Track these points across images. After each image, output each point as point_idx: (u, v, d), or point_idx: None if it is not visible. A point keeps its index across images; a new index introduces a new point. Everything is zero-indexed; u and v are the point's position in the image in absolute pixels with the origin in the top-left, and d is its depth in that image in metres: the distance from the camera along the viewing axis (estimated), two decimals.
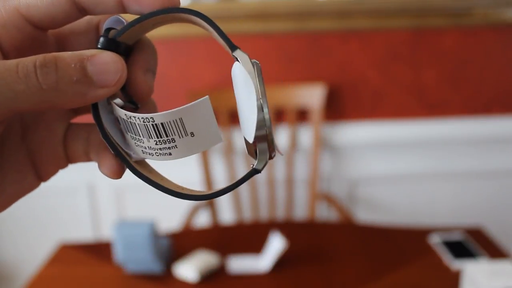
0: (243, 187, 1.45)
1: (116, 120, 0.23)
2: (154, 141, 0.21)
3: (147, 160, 0.24)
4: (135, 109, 0.24)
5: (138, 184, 1.28)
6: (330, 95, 1.41)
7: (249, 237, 1.08)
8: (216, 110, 1.34)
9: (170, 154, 0.21)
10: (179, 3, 0.21)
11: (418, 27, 1.36)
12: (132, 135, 0.22)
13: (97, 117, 0.22)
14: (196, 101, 0.20)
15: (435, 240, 1.04)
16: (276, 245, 0.93)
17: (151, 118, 0.20)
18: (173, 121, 0.20)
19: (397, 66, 1.40)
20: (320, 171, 1.41)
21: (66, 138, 0.24)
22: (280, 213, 1.48)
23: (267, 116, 0.20)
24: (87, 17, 0.23)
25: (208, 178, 1.38)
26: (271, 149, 0.21)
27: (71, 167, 0.27)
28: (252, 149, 0.22)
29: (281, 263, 0.95)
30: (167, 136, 0.21)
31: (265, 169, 0.24)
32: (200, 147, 0.21)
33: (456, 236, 1.04)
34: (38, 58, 0.18)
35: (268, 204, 1.44)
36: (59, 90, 0.19)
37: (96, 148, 0.24)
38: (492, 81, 1.42)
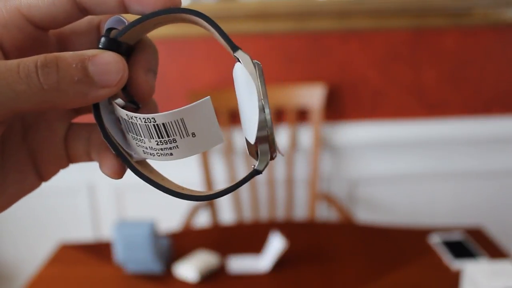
0: (243, 187, 1.45)
1: (117, 120, 0.23)
2: (155, 141, 0.21)
3: (148, 160, 0.24)
4: (136, 109, 0.24)
5: (138, 184, 1.28)
6: (330, 95, 1.41)
7: (249, 237, 1.08)
8: (216, 110, 1.34)
9: (171, 154, 0.21)
10: (181, 3, 0.21)
11: (418, 27, 1.36)
12: (133, 135, 0.22)
13: (98, 117, 0.22)
14: (197, 101, 0.20)
15: (435, 240, 1.04)
16: (276, 245, 0.93)
17: (152, 118, 0.20)
18: (175, 121, 0.20)
19: (397, 66, 1.40)
20: (320, 171, 1.41)
21: (67, 138, 0.24)
22: (280, 213, 1.48)
23: (268, 117, 0.20)
24: (88, 17, 0.23)
25: (208, 178, 1.38)
26: (272, 149, 0.21)
27: (71, 167, 0.27)
28: (253, 149, 0.22)
29: (281, 263, 0.95)
30: (168, 137, 0.21)
31: (265, 169, 0.24)
32: (202, 148, 0.21)
33: (456, 236, 1.04)
34: (39, 58, 0.18)
35: (268, 204, 1.44)
36: (60, 90, 0.19)
37: (97, 148, 0.24)
38: (492, 81, 1.42)
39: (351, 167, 1.49)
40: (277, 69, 1.39)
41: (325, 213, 1.52)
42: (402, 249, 1.02)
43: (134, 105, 0.23)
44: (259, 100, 0.20)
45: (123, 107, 0.22)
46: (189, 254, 0.98)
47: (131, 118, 0.21)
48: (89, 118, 0.24)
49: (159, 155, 0.22)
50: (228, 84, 1.38)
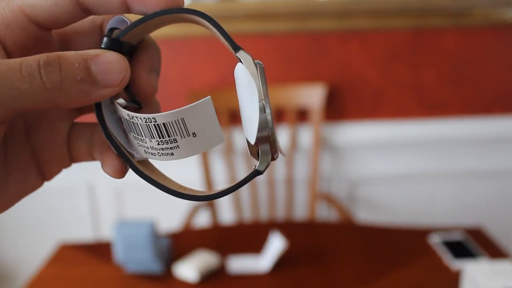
0: (243, 187, 1.45)
1: (119, 120, 0.23)
2: (156, 141, 0.21)
3: (150, 160, 0.24)
4: (138, 109, 0.24)
5: (138, 184, 1.28)
6: (330, 95, 1.41)
7: (249, 237, 1.08)
8: (216, 110, 1.33)
9: (172, 154, 0.22)
10: (183, 3, 0.21)
11: (418, 27, 1.36)
12: (134, 135, 0.22)
13: (100, 116, 0.22)
14: (198, 101, 0.20)
15: (435, 240, 1.04)
16: (276, 245, 0.93)
17: (153, 118, 0.20)
18: (175, 121, 0.20)
19: (397, 66, 1.40)
20: (320, 171, 1.41)
21: (69, 138, 0.24)
22: (280, 213, 1.48)
23: (269, 117, 0.20)
24: (91, 17, 0.23)
25: (208, 178, 1.38)
26: (273, 150, 0.21)
27: (72, 167, 0.27)
28: (254, 150, 0.21)
29: (281, 263, 0.95)
30: (169, 136, 0.21)
31: (266, 169, 0.24)
32: (202, 148, 0.21)
33: (456, 236, 1.04)
34: (42, 57, 0.18)
35: (268, 204, 1.44)
36: (63, 90, 0.19)
37: (100, 148, 0.24)
38: (492, 81, 1.42)
39: (351, 167, 1.49)
40: (277, 69, 1.39)
41: (325, 213, 1.52)
42: (402, 249, 1.02)
43: (136, 104, 0.24)
44: (260, 100, 0.20)
45: (125, 107, 0.22)
46: (189, 254, 0.98)
47: (132, 118, 0.21)
48: (92, 117, 0.24)
49: (160, 155, 0.22)
50: (228, 84, 1.38)
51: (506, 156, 1.49)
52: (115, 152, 0.23)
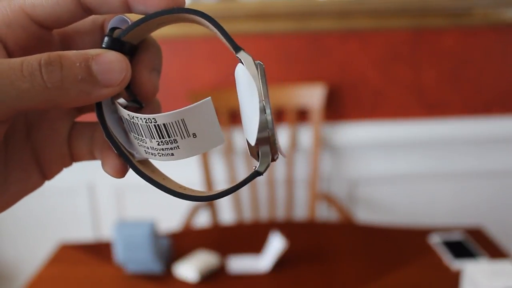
0: (243, 187, 1.45)
1: (120, 120, 0.23)
2: (156, 141, 0.21)
3: (150, 160, 0.24)
4: (139, 109, 0.24)
5: (138, 184, 1.28)
6: (330, 95, 1.41)
7: (249, 237, 1.08)
8: (216, 110, 1.32)
9: (172, 154, 0.21)
10: (184, 3, 0.21)
11: (418, 27, 1.36)
12: (135, 135, 0.22)
13: (100, 116, 0.22)
14: (198, 102, 0.20)
15: (435, 240, 1.04)
16: (276, 245, 0.93)
17: (153, 119, 0.20)
18: (175, 122, 0.20)
19: (397, 66, 1.40)
20: (320, 171, 1.41)
21: (70, 137, 0.24)
22: (280, 213, 1.48)
23: (269, 118, 0.20)
24: (92, 17, 0.23)
25: (208, 178, 1.38)
26: (274, 151, 0.21)
27: (72, 167, 0.27)
28: (254, 151, 0.21)
29: (281, 263, 0.95)
30: (169, 137, 0.21)
31: (266, 170, 0.24)
32: (203, 148, 0.21)
33: (456, 236, 1.04)
34: (43, 56, 0.18)
35: (268, 204, 1.44)
36: (63, 89, 0.19)
37: (100, 147, 0.24)
38: (492, 81, 1.42)
39: (351, 167, 1.49)
40: (277, 69, 1.39)
41: (325, 213, 1.52)
42: (402, 249, 1.02)
43: (137, 104, 0.24)
44: (260, 101, 0.20)
45: (126, 106, 0.22)
46: (189, 254, 0.98)
47: (133, 118, 0.21)
48: (93, 116, 0.24)
49: (160, 155, 0.22)
50: (228, 84, 1.38)
51: (506, 156, 1.49)
52: (116, 151, 0.23)
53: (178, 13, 0.21)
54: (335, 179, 1.50)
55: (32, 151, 0.24)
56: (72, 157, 0.25)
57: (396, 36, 1.37)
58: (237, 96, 0.22)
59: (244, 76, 0.21)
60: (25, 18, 0.20)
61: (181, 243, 1.04)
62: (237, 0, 1.31)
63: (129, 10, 0.21)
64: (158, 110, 0.24)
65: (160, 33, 1.29)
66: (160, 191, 0.23)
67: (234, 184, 0.22)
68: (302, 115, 1.41)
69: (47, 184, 0.25)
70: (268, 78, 1.37)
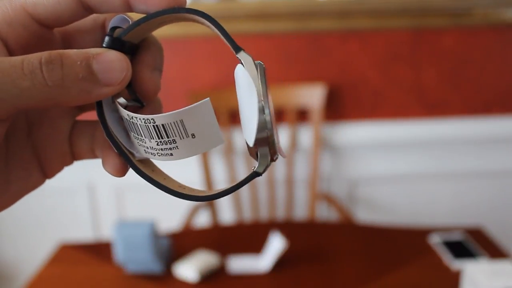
0: (243, 187, 1.45)
1: (121, 119, 0.23)
2: (156, 141, 0.21)
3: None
4: (140, 108, 0.24)
5: (138, 184, 1.28)
6: (330, 95, 1.41)
7: (249, 237, 1.08)
8: (216, 110, 1.34)
9: (171, 154, 0.22)
10: (185, 3, 0.21)
11: (418, 27, 1.36)
12: (134, 134, 0.22)
13: (101, 115, 0.22)
14: (196, 103, 0.20)
15: (435, 240, 1.04)
16: (276, 245, 0.93)
17: (152, 119, 0.20)
18: (174, 122, 0.20)
19: (397, 66, 1.40)
20: (320, 171, 1.41)
21: (71, 135, 0.24)
22: (280, 213, 1.48)
23: (268, 118, 0.20)
24: (93, 16, 0.23)
25: (208, 178, 1.38)
26: (273, 152, 0.21)
27: (72, 167, 0.27)
28: (253, 151, 0.21)
29: (281, 263, 0.95)
30: (168, 137, 0.21)
31: (265, 171, 0.23)
32: (202, 149, 0.21)
33: (456, 236, 1.04)
34: (44, 54, 0.18)
35: (268, 204, 1.44)
36: (64, 87, 0.19)
37: (101, 145, 0.24)
38: (492, 81, 1.42)
39: (351, 167, 1.49)
40: (277, 69, 1.39)
41: (325, 213, 1.52)
42: (402, 249, 1.02)
43: (138, 103, 0.24)
44: (259, 101, 0.20)
45: (127, 106, 0.22)
46: (189, 254, 0.98)
47: (132, 118, 0.21)
48: (94, 115, 0.24)
49: (160, 155, 0.22)
50: (228, 84, 1.38)
51: (506, 156, 1.49)
52: (116, 151, 0.23)
53: (179, 12, 0.21)
54: (335, 179, 1.50)
55: (33, 150, 0.24)
56: (73, 156, 0.25)
57: (396, 36, 1.37)
58: (237, 96, 0.22)
59: (244, 77, 0.21)
60: (26, 17, 0.20)
61: (181, 243, 1.04)
62: (237, 0, 1.31)
63: (130, 9, 0.21)
64: (159, 110, 0.24)
65: (160, 33, 1.29)
66: (160, 191, 0.23)
67: (234, 184, 0.22)
68: (302, 115, 1.41)
69: (47, 184, 0.26)
70: (268, 78, 1.36)
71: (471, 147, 1.48)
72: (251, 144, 0.21)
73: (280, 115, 1.42)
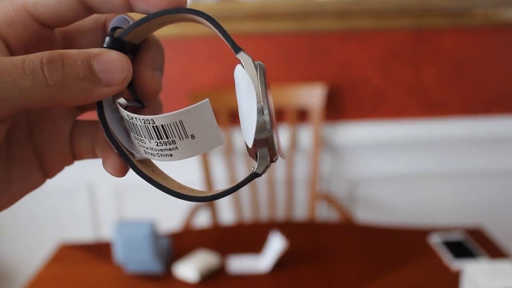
0: (243, 187, 1.45)
1: (121, 119, 0.23)
2: (155, 142, 0.21)
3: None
4: (141, 108, 0.24)
5: (138, 184, 1.28)
6: (330, 95, 1.41)
7: (249, 237, 1.08)
8: (216, 110, 1.34)
9: (171, 155, 0.22)
10: (186, 3, 0.21)
11: (418, 27, 1.36)
12: (134, 135, 0.22)
13: (101, 115, 0.22)
14: (196, 103, 0.20)
15: (435, 240, 1.04)
16: (276, 245, 0.93)
17: (151, 120, 0.20)
18: (173, 123, 0.20)
19: (397, 66, 1.40)
20: (320, 171, 1.41)
21: (72, 135, 0.24)
22: (280, 213, 1.48)
23: (267, 119, 0.20)
24: (94, 16, 0.23)
25: (208, 178, 1.38)
26: (272, 153, 0.21)
27: (72, 167, 0.27)
28: (253, 152, 0.21)
29: (281, 263, 0.95)
30: (167, 138, 0.21)
31: (265, 172, 0.23)
32: (201, 149, 0.21)
33: (456, 236, 1.04)
34: (45, 54, 0.18)
35: (268, 204, 1.44)
36: (65, 87, 0.19)
37: (102, 145, 0.24)
38: (492, 81, 1.42)
39: (351, 167, 1.49)
40: (277, 69, 1.39)
41: (325, 213, 1.52)
42: (402, 249, 1.02)
43: (139, 103, 0.24)
44: (258, 102, 0.20)
45: (128, 106, 0.22)
46: (189, 254, 0.98)
47: (132, 118, 0.21)
48: (95, 115, 0.24)
49: (159, 156, 0.22)
50: (228, 84, 1.38)
51: (506, 156, 1.49)
52: (116, 151, 0.23)
53: (179, 13, 0.21)
54: (335, 179, 1.50)
55: (33, 150, 0.24)
56: (73, 156, 0.25)
57: (396, 36, 1.37)
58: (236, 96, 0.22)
59: (243, 77, 0.21)
60: (27, 17, 0.20)
61: (181, 243, 1.04)
62: (237, 0, 1.31)
63: (130, 9, 0.21)
64: (159, 110, 0.24)
65: (160, 33, 1.29)
66: (160, 191, 0.23)
67: (234, 184, 0.22)
68: (302, 115, 1.41)
69: (47, 184, 0.26)
70: (268, 78, 1.36)
71: (471, 147, 1.48)
72: (250, 145, 0.21)
73: (280, 115, 1.42)
